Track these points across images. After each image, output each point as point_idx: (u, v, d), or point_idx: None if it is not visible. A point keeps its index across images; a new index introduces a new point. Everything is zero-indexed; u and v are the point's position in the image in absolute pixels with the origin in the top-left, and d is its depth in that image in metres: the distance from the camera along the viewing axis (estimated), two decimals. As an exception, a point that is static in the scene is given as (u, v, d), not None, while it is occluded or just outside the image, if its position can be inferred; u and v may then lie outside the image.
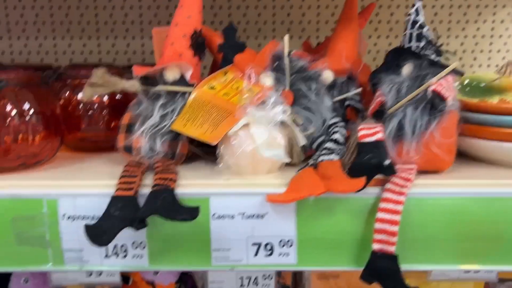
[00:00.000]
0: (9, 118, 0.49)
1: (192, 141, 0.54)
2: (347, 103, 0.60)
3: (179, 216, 0.42)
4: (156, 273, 0.66)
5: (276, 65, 0.56)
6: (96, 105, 0.61)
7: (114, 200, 0.44)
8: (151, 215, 0.43)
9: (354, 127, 0.54)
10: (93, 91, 0.49)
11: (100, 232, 0.42)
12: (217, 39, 0.61)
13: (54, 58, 1.08)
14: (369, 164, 0.45)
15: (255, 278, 0.62)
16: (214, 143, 0.49)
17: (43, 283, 0.66)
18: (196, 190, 0.47)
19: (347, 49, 0.63)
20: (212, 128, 0.50)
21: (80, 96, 0.60)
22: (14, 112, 0.49)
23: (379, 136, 0.46)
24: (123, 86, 0.51)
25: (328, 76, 0.59)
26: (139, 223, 0.43)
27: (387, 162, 0.44)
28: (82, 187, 0.47)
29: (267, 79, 0.54)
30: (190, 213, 0.43)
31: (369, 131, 0.47)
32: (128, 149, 0.53)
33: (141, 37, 1.07)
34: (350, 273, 0.66)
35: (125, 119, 0.54)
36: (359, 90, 0.60)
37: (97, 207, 0.46)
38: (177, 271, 0.67)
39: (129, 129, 0.53)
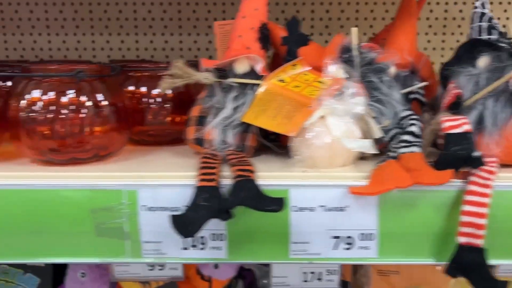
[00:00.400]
0: (85, 109, 0.49)
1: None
2: (412, 96, 0.59)
3: (267, 207, 0.42)
4: (216, 266, 0.65)
5: (345, 57, 0.55)
6: (158, 99, 0.61)
7: (200, 190, 0.43)
8: (238, 206, 0.43)
9: (424, 120, 0.54)
10: (172, 82, 0.49)
11: (186, 223, 0.42)
12: (280, 32, 0.60)
13: (92, 55, 1.09)
14: (458, 156, 0.44)
15: (319, 273, 0.62)
16: (291, 135, 0.49)
17: (99, 277, 0.66)
18: (275, 182, 0.46)
19: (409, 43, 0.63)
20: (286, 120, 0.50)
21: (143, 88, 0.59)
22: (89, 103, 0.49)
23: (466, 127, 0.46)
24: (198, 78, 0.51)
25: (391, 69, 0.58)
26: (224, 214, 0.43)
27: (476, 153, 0.44)
28: (162, 178, 0.47)
29: (340, 71, 0.53)
30: (277, 204, 0.42)
31: (455, 122, 0.46)
32: (199, 142, 0.53)
33: (180, 34, 1.07)
34: (410, 269, 0.65)
35: (195, 112, 0.54)
36: (426, 83, 0.59)
37: (177, 198, 0.46)
38: (237, 266, 0.66)
39: (200, 121, 0.53)
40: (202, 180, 0.45)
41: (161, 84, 0.49)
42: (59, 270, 0.69)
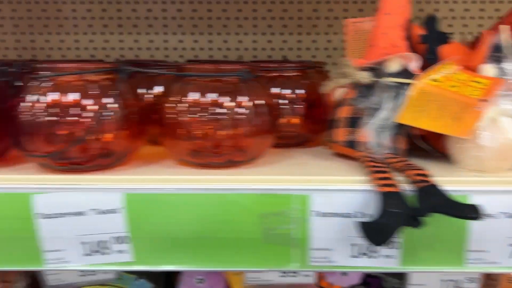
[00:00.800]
0: (246, 110, 0.47)
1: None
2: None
3: (467, 214, 0.40)
4: (344, 273, 0.63)
5: (497, 56, 0.53)
6: (288, 100, 0.59)
7: (387, 196, 0.41)
8: (431, 213, 0.40)
9: None
10: (338, 82, 0.47)
11: (378, 230, 0.40)
12: (417, 30, 0.58)
13: (164, 54, 1.07)
14: None
15: (459, 281, 0.59)
16: (464, 137, 0.46)
17: (217, 283, 0.64)
18: (454, 187, 0.44)
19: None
20: (453, 121, 0.47)
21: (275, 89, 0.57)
22: (249, 103, 0.47)
23: None
24: (357, 77, 0.49)
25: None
26: (415, 221, 0.40)
27: None
28: (335, 183, 0.44)
29: (500, 71, 0.51)
30: (474, 211, 0.40)
31: None
32: (351, 144, 0.50)
33: (254, 33, 1.05)
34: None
35: (344, 113, 0.52)
36: None
37: (349, 204, 0.44)
38: (362, 273, 0.64)
39: (351, 123, 0.51)
40: (384, 185, 0.42)
41: (327, 84, 0.47)
42: (173, 275, 0.67)
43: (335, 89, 0.61)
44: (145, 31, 1.05)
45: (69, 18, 1.05)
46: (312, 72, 0.62)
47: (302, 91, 0.58)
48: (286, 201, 0.44)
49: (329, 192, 0.44)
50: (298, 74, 0.59)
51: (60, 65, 0.46)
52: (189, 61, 0.98)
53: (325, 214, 0.44)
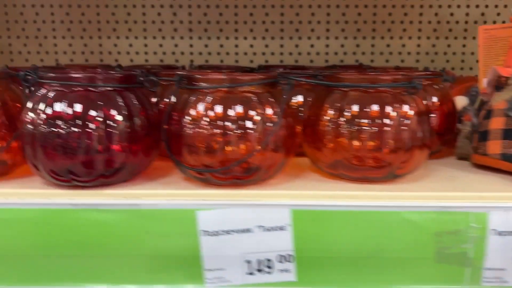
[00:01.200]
0: (412, 121, 0.45)
1: None
2: None
3: None
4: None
5: None
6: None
7: None
8: None
9: None
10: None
11: None
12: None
13: (234, 59, 1.05)
14: None
15: None
16: None
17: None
18: None
19: None
20: None
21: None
22: (411, 112, 0.45)
23: None
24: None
25: None
26: None
27: None
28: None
29: None
30: None
31: None
32: (508, 158, 0.48)
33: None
34: None
35: (498, 124, 0.49)
36: None
37: (530, 222, 0.42)
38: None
39: (507, 135, 0.49)
40: None
41: (499, 94, 0.45)
42: None
43: (456, 98, 0.59)
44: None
45: (138, 22, 1.03)
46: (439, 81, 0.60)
47: (435, 100, 0.56)
48: (464, 219, 0.42)
49: (508, 209, 0.42)
50: (429, 82, 0.57)
51: (216, 76, 0.44)
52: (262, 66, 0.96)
53: (501, 233, 0.42)
